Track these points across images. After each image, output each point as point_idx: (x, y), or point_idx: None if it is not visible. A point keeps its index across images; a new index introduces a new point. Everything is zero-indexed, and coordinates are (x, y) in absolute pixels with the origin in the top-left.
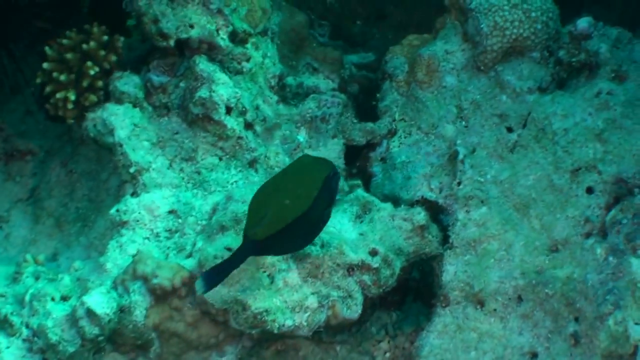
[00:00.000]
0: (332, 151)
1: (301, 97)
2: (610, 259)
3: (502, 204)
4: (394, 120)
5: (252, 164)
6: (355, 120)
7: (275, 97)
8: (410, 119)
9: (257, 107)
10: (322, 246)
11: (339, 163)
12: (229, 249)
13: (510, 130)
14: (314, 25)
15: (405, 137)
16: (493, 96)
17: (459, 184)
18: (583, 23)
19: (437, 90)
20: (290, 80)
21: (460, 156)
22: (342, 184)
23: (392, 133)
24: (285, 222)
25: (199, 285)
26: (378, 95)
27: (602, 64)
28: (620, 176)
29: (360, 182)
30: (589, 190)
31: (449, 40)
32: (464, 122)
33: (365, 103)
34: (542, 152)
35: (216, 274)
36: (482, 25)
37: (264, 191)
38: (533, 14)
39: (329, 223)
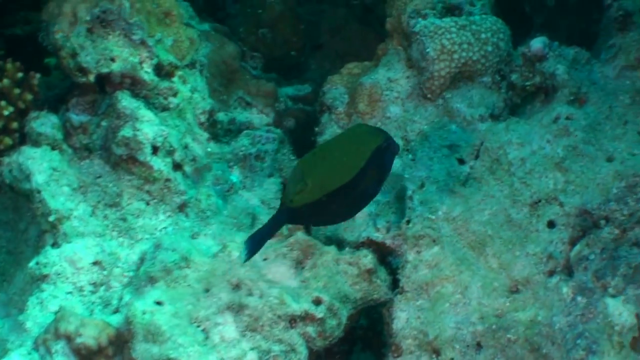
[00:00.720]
0: (268, 191)
1: (234, 134)
2: (579, 298)
3: (456, 242)
4: None
5: (182, 208)
6: (292, 157)
7: (206, 135)
8: None
9: (186, 146)
10: (261, 296)
11: (277, 204)
12: (159, 303)
13: (461, 162)
14: (246, 57)
15: None
16: (442, 126)
17: (407, 222)
18: (537, 44)
19: (380, 121)
20: (221, 115)
21: (408, 192)
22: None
23: None
24: (324, 191)
25: (242, 253)
26: (316, 129)
27: (560, 87)
28: (584, 208)
29: None
30: (551, 224)
31: (392, 67)
32: (410, 155)
33: (302, 138)
34: (498, 185)
35: (256, 242)
36: (427, 50)
37: (309, 158)
38: (483, 35)
39: (267, 270)
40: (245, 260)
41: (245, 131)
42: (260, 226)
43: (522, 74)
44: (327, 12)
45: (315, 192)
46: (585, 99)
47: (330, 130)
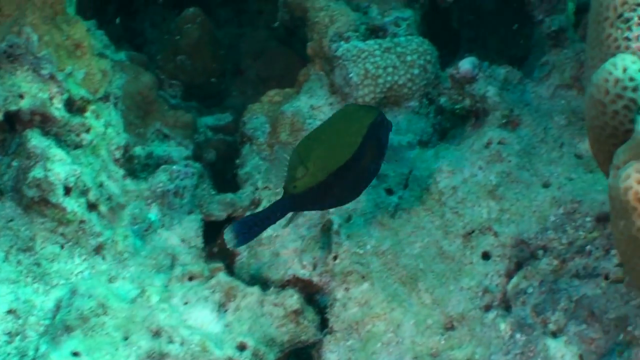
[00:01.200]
0: (188, 229)
1: (152, 169)
2: (518, 336)
3: (386, 278)
4: (257, 188)
5: (98, 250)
6: (213, 192)
7: (122, 172)
8: (276, 186)
9: (101, 185)
10: (182, 343)
11: (197, 242)
12: (75, 354)
13: (390, 192)
14: (164, 86)
15: None
16: None
17: (335, 258)
18: (466, 65)
19: None
20: (138, 150)
21: (335, 226)
22: (202, 267)
23: (255, 203)
24: (326, 172)
25: (228, 236)
26: (238, 161)
27: (491, 110)
28: (520, 237)
29: (222, 264)
30: (486, 256)
31: (314, 94)
32: None
33: (224, 170)
34: (429, 215)
35: (249, 227)
36: (351, 75)
37: (304, 143)
38: (409, 58)
39: (188, 315)
40: (239, 245)
41: (162, 166)
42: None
43: (451, 97)
44: (247, 35)
45: (317, 174)
46: (518, 122)
47: (252, 162)
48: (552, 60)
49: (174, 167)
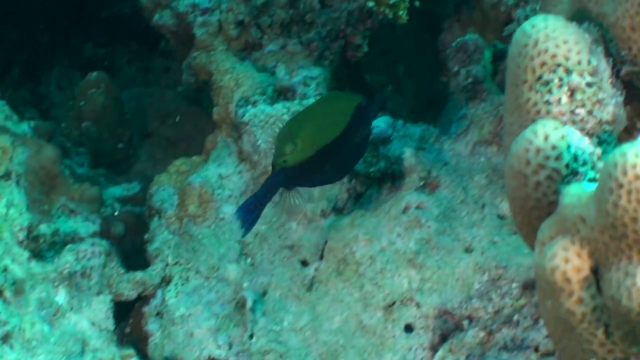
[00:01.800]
0: (98, 311)
1: (59, 246)
2: None
3: (306, 355)
4: (168, 264)
5: (5, 339)
6: (122, 270)
7: (27, 253)
8: (187, 262)
9: (5, 269)
10: None
11: (108, 325)
12: None
13: (305, 263)
14: (70, 154)
15: (182, 284)
16: (281, 225)
17: (251, 336)
18: (379, 124)
19: (214, 224)
20: (43, 228)
21: (249, 302)
22: (114, 353)
23: (167, 281)
24: (315, 148)
25: (236, 226)
26: (146, 236)
27: (408, 172)
28: (443, 307)
29: (134, 350)
30: (408, 328)
31: (222, 162)
32: (249, 260)
33: (134, 245)
34: (347, 287)
35: (251, 212)
36: (259, 142)
37: (292, 123)
38: None
39: None
40: (244, 235)
41: (69, 246)
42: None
43: (365, 159)
44: (154, 95)
45: (307, 150)
46: (436, 183)
47: (161, 237)
48: (469, 114)
49: (81, 246)
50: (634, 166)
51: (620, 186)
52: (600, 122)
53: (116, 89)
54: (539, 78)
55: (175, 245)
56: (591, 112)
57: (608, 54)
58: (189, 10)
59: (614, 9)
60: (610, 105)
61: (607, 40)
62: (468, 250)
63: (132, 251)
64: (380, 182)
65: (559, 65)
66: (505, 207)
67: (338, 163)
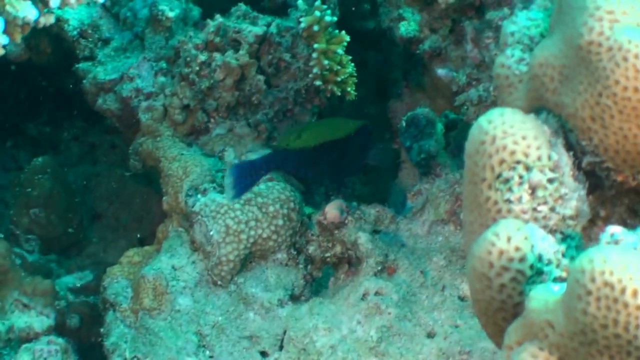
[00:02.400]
0: None
1: (15, 345)
2: None
3: None
4: (125, 359)
5: None
6: None
7: None
8: (145, 356)
9: None
10: None
11: None
12: None
13: (265, 354)
14: (20, 242)
15: None
16: (238, 315)
17: None
18: (333, 210)
19: (170, 316)
20: None
21: None
22: None
23: None
24: (320, 140)
25: (228, 182)
26: (102, 329)
27: (365, 257)
28: None
29: None
30: None
31: (175, 253)
32: (208, 352)
33: (90, 336)
34: None
35: (244, 177)
36: (211, 232)
37: (298, 127)
38: (271, 208)
39: None
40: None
41: (24, 345)
42: None
43: (320, 244)
44: (102, 174)
45: (310, 141)
46: (395, 267)
47: (117, 331)
48: (424, 191)
49: (37, 345)
50: (602, 273)
51: (589, 293)
52: (563, 218)
53: (63, 172)
54: (499, 176)
55: (132, 339)
56: (554, 208)
57: (568, 145)
58: (133, 95)
59: (573, 99)
60: (573, 199)
61: (566, 131)
62: (430, 335)
63: (88, 346)
64: (337, 266)
65: (518, 162)
66: (465, 288)
67: (335, 164)
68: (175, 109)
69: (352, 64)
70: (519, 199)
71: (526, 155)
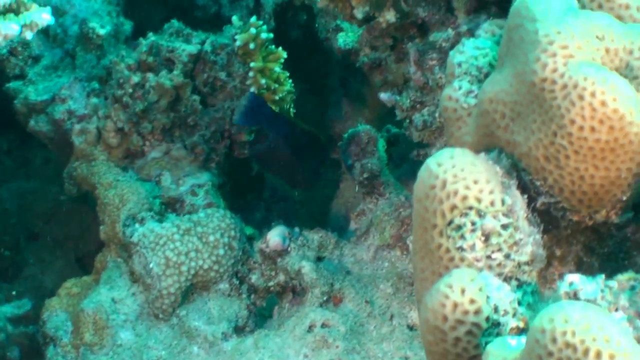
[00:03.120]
0: None
1: None
2: None
3: None
4: None
5: None
6: None
7: None
8: None
9: None
10: None
11: None
12: None
13: None
14: None
15: None
16: (182, 349)
17: None
18: (275, 237)
19: (112, 351)
20: None
21: None
22: None
23: None
24: (297, 122)
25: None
26: None
27: (309, 287)
28: None
29: None
30: None
31: (114, 285)
32: None
33: None
34: None
35: (255, 110)
36: (151, 265)
37: None
38: (212, 238)
39: None
40: (239, 122)
41: None
42: None
43: (263, 272)
44: (38, 191)
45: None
46: (341, 297)
47: None
48: (368, 210)
49: None
50: (564, 333)
51: (550, 355)
52: (518, 265)
53: None
54: (450, 223)
55: None
56: (508, 255)
57: (522, 184)
58: (65, 117)
59: (526, 138)
60: (529, 244)
61: (519, 170)
62: None
63: None
64: (281, 295)
65: (470, 208)
66: (414, 316)
67: (301, 158)
68: (109, 132)
69: (290, 81)
70: (472, 247)
71: (479, 200)
